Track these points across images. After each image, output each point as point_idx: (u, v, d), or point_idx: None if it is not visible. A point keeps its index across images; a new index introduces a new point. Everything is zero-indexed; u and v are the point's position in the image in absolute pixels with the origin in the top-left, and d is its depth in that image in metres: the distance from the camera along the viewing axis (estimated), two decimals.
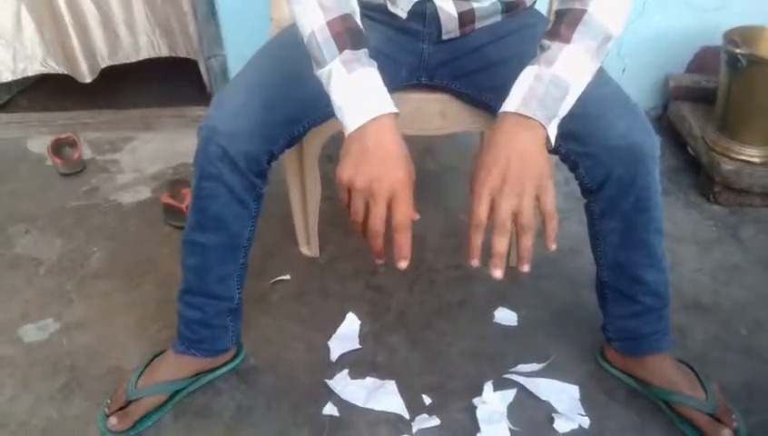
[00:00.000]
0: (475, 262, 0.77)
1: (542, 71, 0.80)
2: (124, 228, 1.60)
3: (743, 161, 1.59)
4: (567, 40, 0.80)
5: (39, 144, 1.93)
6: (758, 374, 1.18)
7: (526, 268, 0.78)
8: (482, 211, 0.76)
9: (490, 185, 0.76)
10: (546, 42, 0.82)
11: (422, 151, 1.88)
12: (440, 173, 1.80)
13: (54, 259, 1.49)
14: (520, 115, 0.78)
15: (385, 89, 0.81)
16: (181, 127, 2.01)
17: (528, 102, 0.78)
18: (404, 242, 0.77)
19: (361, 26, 0.84)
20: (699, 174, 1.72)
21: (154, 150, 1.93)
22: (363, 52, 0.82)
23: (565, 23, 0.81)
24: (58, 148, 1.82)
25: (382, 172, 0.76)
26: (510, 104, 0.80)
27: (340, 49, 0.80)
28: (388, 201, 0.77)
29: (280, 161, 1.08)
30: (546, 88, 0.79)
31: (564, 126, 0.83)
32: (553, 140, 0.81)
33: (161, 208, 1.62)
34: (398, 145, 0.79)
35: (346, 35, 0.81)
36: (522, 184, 0.76)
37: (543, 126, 0.78)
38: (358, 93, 0.79)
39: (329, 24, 0.81)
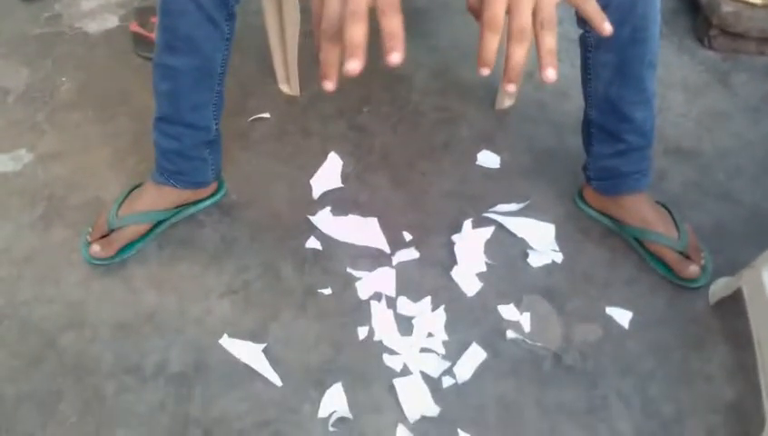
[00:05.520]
0: (486, 71, 0.58)
1: None
2: (92, 58, 1.51)
3: (743, 2, 1.52)
4: None
5: None
6: (730, 216, 1.21)
7: (551, 74, 0.56)
8: (499, 8, 0.58)
9: None
10: None
11: None
12: (429, 11, 1.70)
13: (23, 88, 1.42)
14: None
15: None
16: None
17: None
18: (394, 26, 0.53)
19: None
20: (696, 17, 1.64)
21: None
22: None
23: None
24: None
25: None
26: None
27: None
28: None
29: None
30: None
31: None
32: None
33: (129, 38, 1.52)
34: None
35: None
36: None
37: None
38: None
39: None
